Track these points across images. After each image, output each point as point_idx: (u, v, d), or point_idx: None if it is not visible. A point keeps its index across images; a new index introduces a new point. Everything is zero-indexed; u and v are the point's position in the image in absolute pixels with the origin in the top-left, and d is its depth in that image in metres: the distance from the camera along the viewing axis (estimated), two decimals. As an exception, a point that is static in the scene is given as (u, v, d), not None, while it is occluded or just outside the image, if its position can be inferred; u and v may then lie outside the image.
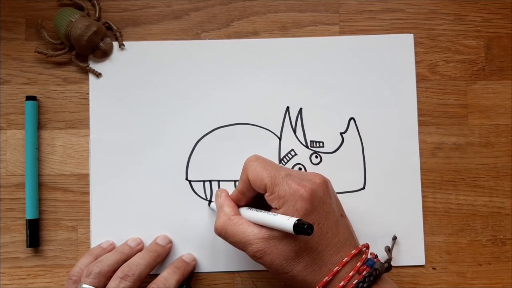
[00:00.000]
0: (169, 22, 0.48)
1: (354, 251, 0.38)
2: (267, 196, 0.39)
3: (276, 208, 0.38)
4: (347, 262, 0.37)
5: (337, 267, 0.37)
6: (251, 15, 0.48)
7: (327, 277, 0.37)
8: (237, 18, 0.48)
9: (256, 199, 0.41)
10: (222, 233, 0.39)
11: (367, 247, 0.39)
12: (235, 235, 0.38)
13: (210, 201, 0.46)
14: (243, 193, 0.41)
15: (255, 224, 0.38)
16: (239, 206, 0.42)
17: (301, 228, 0.34)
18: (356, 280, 0.37)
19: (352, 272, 0.37)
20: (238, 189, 0.41)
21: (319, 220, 0.37)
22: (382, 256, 0.45)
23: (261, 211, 0.39)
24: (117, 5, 0.48)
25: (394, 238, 0.46)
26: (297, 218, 0.35)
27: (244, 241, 0.38)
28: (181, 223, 0.46)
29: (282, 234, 0.37)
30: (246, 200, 0.41)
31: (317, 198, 0.38)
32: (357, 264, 0.38)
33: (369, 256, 0.39)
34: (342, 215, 0.40)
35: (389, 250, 0.44)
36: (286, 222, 0.35)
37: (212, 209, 0.46)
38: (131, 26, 0.48)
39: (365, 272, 0.37)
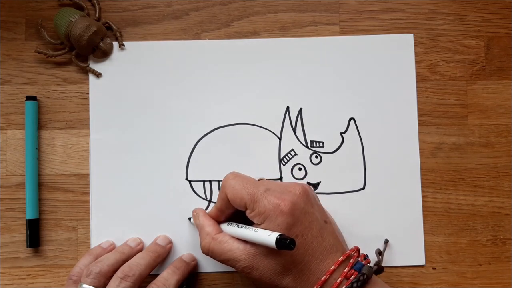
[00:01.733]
0: (169, 22, 0.48)
1: (341, 257, 0.38)
2: (248, 214, 0.39)
3: (258, 224, 0.38)
4: (334, 270, 0.37)
5: (324, 276, 0.37)
6: (251, 15, 0.48)
7: (315, 287, 0.37)
8: (237, 18, 0.48)
9: (235, 213, 0.41)
10: (209, 253, 0.40)
11: (357, 250, 0.39)
12: (222, 254, 0.39)
13: (208, 205, 0.46)
14: (222, 211, 0.41)
15: (240, 239, 0.39)
16: (219, 223, 0.42)
17: (283, 243, 0.34)
18: (344, 286, 0.37)
19: (340, 278, 0.37)
20: (216, 207, 0.41)
21: (303, 231, 0.38)
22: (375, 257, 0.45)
23: (242, 227, 0.39)
24: (117, 5, 0.48)
25: (386, 242, 0.45)
26: (278, 234, 0.35)
27: (232, 258, 0.38)
28: (181, 223, 0.46)
29: (267, 249, 0.37)
30: (225, 216, 0.42)
31: (298, 210, 0.38)
32: (345, 270, 0.38)
33: (358, 259, 0.39)
34: (326, 221, 0.40)
35: (379, 253, 0.44)
36: (268, 238, 0.35)
37: (193, 224, 0.46)
38: (131, 26, 0.48)
39: (352, 277, 0.37)
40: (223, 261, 0.39)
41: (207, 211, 0.44)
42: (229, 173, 0.41)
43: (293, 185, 0.40)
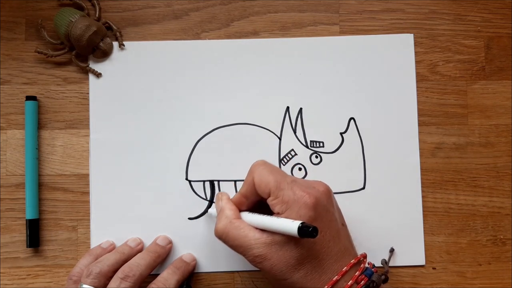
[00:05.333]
0: (169, 22, 0.48)
1: (353, 260, 0.38)
2: (270, 201, 0.39)
3: (278, 213, 0.38)
4: (346, 272, 0.37)
5: (336, 276, 0.37)
6: (251, 15, 0.48)
7: (326, 286, 0.37)
8: (237, 18, 0.48)
9: (256, 205, 0.41)
10: (223, 236, 0.39)
11: (365, 256, 0.39)
12: (236, 239, 0.38)
13: (208, 205, 0.46)
14: (246, 197, 0.41)
15: (257, 229, 0.38)
16: (240, 211, 0.41)
17: (306, 230, 0.34)
18: None
19: (350, 281, 0.37)
20: (241, 192, 0.41)
21: (322, 228, 0.37)
22: (380, 261, 0.45)
23: (265, 216, 0.38)
24: (117, 5, 0.48)
25: (392, 251, 0.45)
26: (301, 221, 0.35)
27: (245, 245, 0.38)
28: (181, 223, 0.46)
29: (284, 240, 0.37)
30: (247, 204, 0.41)
31: (320, 206, 0.38)
32: (356, 274, 0.38)
33: (366, 265, 0.39)
34: (343, 224, 0.40)
35: (385, 262, 0.45)
36: (291, 224, 0.35)
37: (211, 214, 0.46)
38: (131, 26, 0.48)
39: (363, 282, 0.37)
40: (236, 247, 0.39)
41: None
42: (259, 160, 0.41)
43: (317, 182, 0.40)
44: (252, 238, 0.38)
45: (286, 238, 0.37)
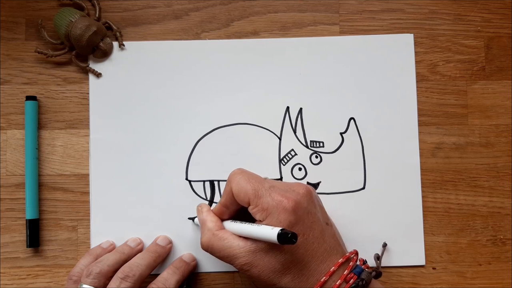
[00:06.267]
0: (169, 22, 0.48)
1: (341, 259, 0.38)
2: (251, 209, 0.39)
3: (260, 221, 0.38)
4: (334, 272, 0.37)
5: (324, 277, 0.37)
6: (251, 15, 0.48)
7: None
8: (237, 18, 0.48)
9: (239, 212, 0.41)
10: (208, 249, 0.40)
11: (356, 253, 0.39)
12: (221, 250, 0.39)
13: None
14: (227, 206, 0.41)
15: (240, 237, 0.39)
16: (222, 220, 0.42)
17: (285, 237, 0.34)
18: None
19: (339, 281, 0.37)
20: (221, 203, 0.41)
21: (304, 231, 0.38)
22: (373, 258, 0.45)
23: (245, 223, 0.39)
24: (117, 5, 0.48)
25: (384, 245, 0.45)
26: (280, 228, 0.35)
27: (231, 255, 0.38)
28: (181, 223, 0.46)
29: (267, 246, 0.37)
30: (229, 213, 0.41)
31: (301, 209, 0.38)
32: (344, 273, 0.38)
33: (357, 263, 0.39)
34: (328, 223, 0.40)
35: (378, 258, 0.44)
36: (270, 232, 0.35)
37: (196, 224, 0.46)
38: (131, 26, 0.48)
39: (352, 280, 0.37)
40: (222, 257, 0.39)
41: (212, 207, 0.44)
42: (236, 168, 0.41)
43: (297, 185, 0.40)
44: (237, 247, 0.38)
45: (270, 244, 0.37)
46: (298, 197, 0.38)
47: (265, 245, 0.37)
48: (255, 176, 0.40)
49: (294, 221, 0.37)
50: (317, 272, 0.37)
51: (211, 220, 0.41)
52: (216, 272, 0.46)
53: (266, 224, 0.37)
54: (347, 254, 0.39)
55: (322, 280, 0.37)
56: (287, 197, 0.38)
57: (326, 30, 0.48)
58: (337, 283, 0.37)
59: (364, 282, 0.37)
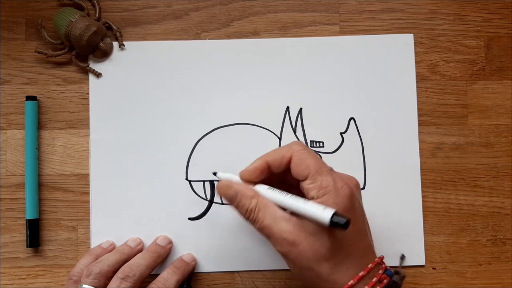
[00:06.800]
0: (169, 22, 0.48)
1: (377, 259, 0.38)
2: (307, 184, 0.36)
3: (312, 198, 0.36)
4: (371, 269, 0.36)
5: (362, 272, 0.36)
6: (251, 15, 0.48)
7: (352, 281, 0.35)
8: (237, 18, 0.48)
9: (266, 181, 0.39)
10: (253, 216, 0.37)
11: (382, 259, 0.39)
12: (265, 219, 0.36)
13: (208, 205, 0.45)
14: (269, 167, 0.38)
15: (284, 209, 0.36)
16: (251, 183, 0.38)
17: (340, 220, 0.32)
18: (378, 287, 0.36)
19: (375, 278, 0.36)
20: (266, 160, 0.38)
21: (354, 222, 0.36)
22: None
23: (290, 195, 0.36)
24: (117, 5, 0.48)
25: (402, 257, 0.45)
26: (334, 210, 0.33)
27: (275, 227, 0.35)
28: (181, 223, 0.46)
29: (314, 227, 0.35)
30: (263, 177, 0.38)
31: (355, 199, 0.37)
32: (379, 272, 0.37)
33: (387, 266, 0.39)
34: (367, 222, 0.40)
35: (397, 273, 0.42)
36: (322, 212, 0.33)
37: (219, 177, 0.41)
38: (131, 26, 0.48)
39: (385, 280, 0.37)
40: (264, 228, 0.36)
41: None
42: (297, 141, 0.39)
43: (350, 176, 0.39)
44: (282, 219, 0.35)
45: (317, 224, 0.34)
46: (353, 186, 0.37)
47: (311, 225, 0.35)
48: (317, 155, 0.39)
49: (349, 207, 0.36)
50: (356, 265, 0.36)
51: (249, 189, 0.37)
52: (216, 272, 0.46)
53: (320, 203, 0.35)
54: (379, 256, 0.38)
55: (360, 274, 0.36)
56: (347, 184, 0.36)
57: (326, 30, 0.48)
58: (373, 280, 0.36)
59: (396, 285, 0.38)
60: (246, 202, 0.37)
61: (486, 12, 0.48)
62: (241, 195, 0.37)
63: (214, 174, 0.41)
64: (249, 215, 0.37)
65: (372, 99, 0.47)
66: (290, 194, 0.36)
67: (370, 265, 0.36)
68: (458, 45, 0.48)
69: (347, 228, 0.33)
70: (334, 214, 0.33)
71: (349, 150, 0.47)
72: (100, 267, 0.41)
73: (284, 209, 0.36)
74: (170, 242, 0.46)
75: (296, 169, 0.37)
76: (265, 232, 0.36)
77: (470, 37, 0.48)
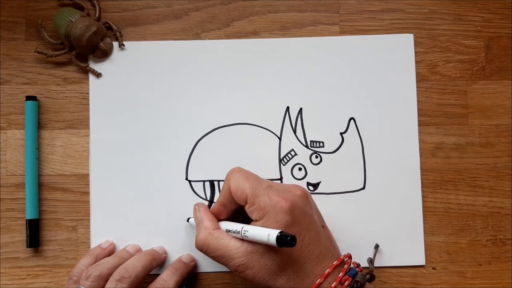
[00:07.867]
0: (169, 22, 0.48)
1: (336, 262, 0.38)
2: (247, 208, 0.39)
3: (256, 220, 0.38)
4: (329, 274, 0.37)
5: (319, 279, 0.37)
6: (251, 15, 0.48)
7: None
8: (237, 18, 0.48)
9: (236, 214, 0.41)
10: (203, 248, 0.40)
11: (350, 257, 0.39)
12: (217, 250, 0.39)
13: (208, 205, 0.46)
14: (224, 205, 0.41)
15: (237, 238, 0.38)
16: (219, 220, 0.42)
17: (284, 240, 0.34)
18: None
19: (334, 283, 0.37)
20: (219, 201, 0.41)
21: (300, 232, 0.37)
22: (369, 259, 0.45)
23: (244, 225, 0.38)
24: (117, 5, 0.48)
25: (376, 247, 0.45)
26: (279, 230, 0.35)
27: (227, 256, 0.38)
28: (180, 223, 0.46)
29: (264, 248, 0.37)
30: (227, 213, 0.41)
31: (298, 210, 0.38)
32: (339, 275, 0.38)
33: (351, 265, 0.39)
34: (323, 226, 0.41)
35: (371, 261, 0.44)
36: (269, 234, 0.35)
37: (191, 224, 0.46)
38: (131, 26, 0.48)
39: (347, 282, 0.37)
40: (217, 257, 0.39)
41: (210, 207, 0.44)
42: (235, 167, 0.41)
43: (294, 186, 0.40)
44: (233, 247, 0.38)
45: (266, 245, 0.37)
46: (295, 198, 0.38)
47: (261, 247, 0.37)
48: (253, 175, 0.40)
49: (291, 221, 0.37)
50: (312, 273, 0.37)
51: (208, 219, 0.41)
52: (216, 272, 0.46)
53: (262, 224, 0.37)
54: (341, 257, 0.39)
55: (317, 282, 0.37)
56: (285, 198, 0.37)
57: (326, 30, 0.48)
58: (333, 285, 0.37)
59: (359, 284, 0.37)
60: (200, 230, 0.40)
61: (486, 12, 0.48)
62: (200, 222, 0.41)
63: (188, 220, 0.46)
64: (200, 246, 0.40)
65: (372, 99, 0.47)
66: (244, 225, 0.38)
67: (327, 270, 0.37)
68: (458, 45, 0.48)
69: (295, 244, 0.34)
70: (279, 235, 0.35)
71: (349, 150, 0.47)
72: (99, 270, 0.41)
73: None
74: (166, 253, 0.46)
75: (236, 197, 0.39)
76: (220, 261, 0.39)
77: (470, 37, 0.48)
